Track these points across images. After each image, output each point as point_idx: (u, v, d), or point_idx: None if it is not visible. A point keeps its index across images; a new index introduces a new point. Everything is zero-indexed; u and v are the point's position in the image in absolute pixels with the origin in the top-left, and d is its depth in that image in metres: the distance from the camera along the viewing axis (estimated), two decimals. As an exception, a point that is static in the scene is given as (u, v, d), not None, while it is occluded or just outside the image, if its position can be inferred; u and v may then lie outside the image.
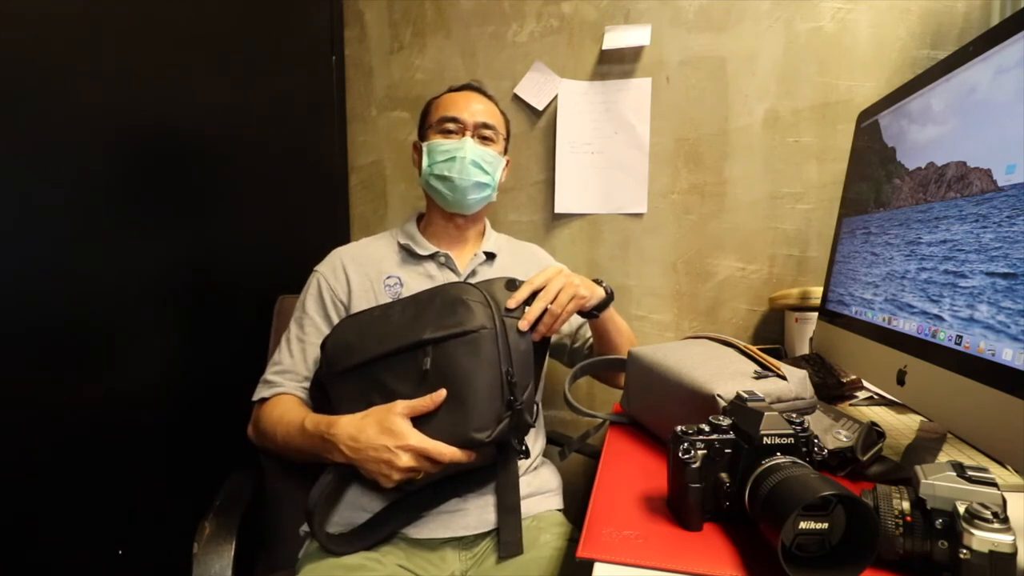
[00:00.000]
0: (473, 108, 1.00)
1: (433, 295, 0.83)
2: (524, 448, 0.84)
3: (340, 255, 1.00)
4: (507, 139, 1.07)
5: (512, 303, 0.80)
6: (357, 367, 0.81)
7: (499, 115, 1.04)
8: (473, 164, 0.97)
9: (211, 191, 1.05)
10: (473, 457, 0.76)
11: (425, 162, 0.99)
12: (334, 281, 0.97)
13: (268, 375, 0.93)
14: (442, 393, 0.75)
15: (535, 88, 1.32)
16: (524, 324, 0.79)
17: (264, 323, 1.08)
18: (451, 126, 0.98)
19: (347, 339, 0.83)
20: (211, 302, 1.05)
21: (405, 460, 0.73)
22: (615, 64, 1.29)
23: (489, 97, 1.05)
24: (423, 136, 1.04)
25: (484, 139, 1.00)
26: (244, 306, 1.12)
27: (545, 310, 0.83)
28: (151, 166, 0.94)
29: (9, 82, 0.75)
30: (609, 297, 0.94)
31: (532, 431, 0.94)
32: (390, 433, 0.74)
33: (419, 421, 0.76)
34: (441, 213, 1.02)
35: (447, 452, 0.74)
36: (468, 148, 0.96)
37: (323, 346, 0.85)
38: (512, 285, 0.83)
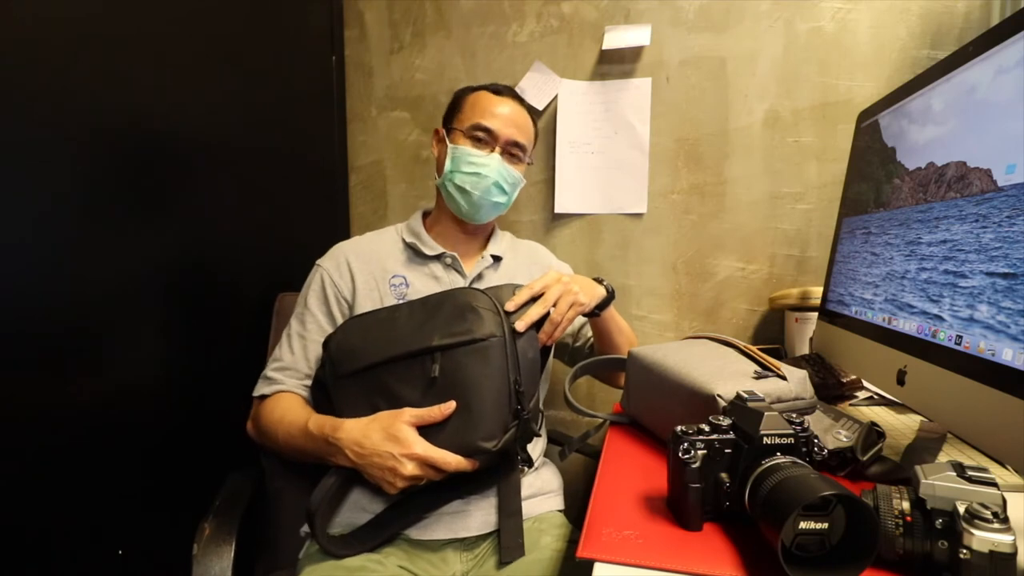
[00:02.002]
0: (508, 122, 0.96)
1: (442, 300, 0.82)
2: (527, 458, 0.84)
3: (344, 251, 0.98)
4: (531, 152, 1.05)
5: (511, 306, 0.80)
6: (362, 371, 0.80)
7: (531, 130, 1.02)
8: (495, 185, 0.95)
9: (211, 191, 1.05)
10: (477, 465, 0.76)
11: (448, 165, 0.96)
12: (338, 277, 0.95)
13: (268, 371, 0.92)
14: (451, 405, 0.75)
15: (535, 88, 1.32)
16: (521, 325, 0.79)
17: (264, 322, 1.08)
18: (482, 136, 0.96)
19: (352, 341, 0.82)
20: (211, 301, 1.05)
21: (410, 469, 0.73)
22: (615, 64, 1.29)
23: (526, 106, 1.02)
24: (450, 130, 0.99)
25: (512, 157, 0.98)
26: (244, 305, 1.12)
27: (546, 316, 0.83)
28: (151, 166, 0.94)
29: (8, 82, 0.75)
30: (610, 296, 0.94)
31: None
32: (396, 440, 0.73)
33: (425, 428, 0.75)
34: (451, 216, 1.01)
35: (452, 461, 0.73)
36: (494, 167, 0.94)
37: (326, 346, 0.84)
38: None
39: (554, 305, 0.83)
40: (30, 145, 0.78)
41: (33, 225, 0.79)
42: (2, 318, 0.76)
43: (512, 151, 0.98)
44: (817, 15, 1.20)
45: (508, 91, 1.02)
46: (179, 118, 0.98)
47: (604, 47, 1.26)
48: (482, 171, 0.94)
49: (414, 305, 0.84)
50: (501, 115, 0.96)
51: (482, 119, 0.96)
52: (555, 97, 1.32)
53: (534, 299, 0.82)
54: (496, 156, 0.95)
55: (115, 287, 0.89)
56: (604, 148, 1.30)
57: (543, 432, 1.00)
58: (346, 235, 1.43)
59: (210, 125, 1.04)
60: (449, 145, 0.97)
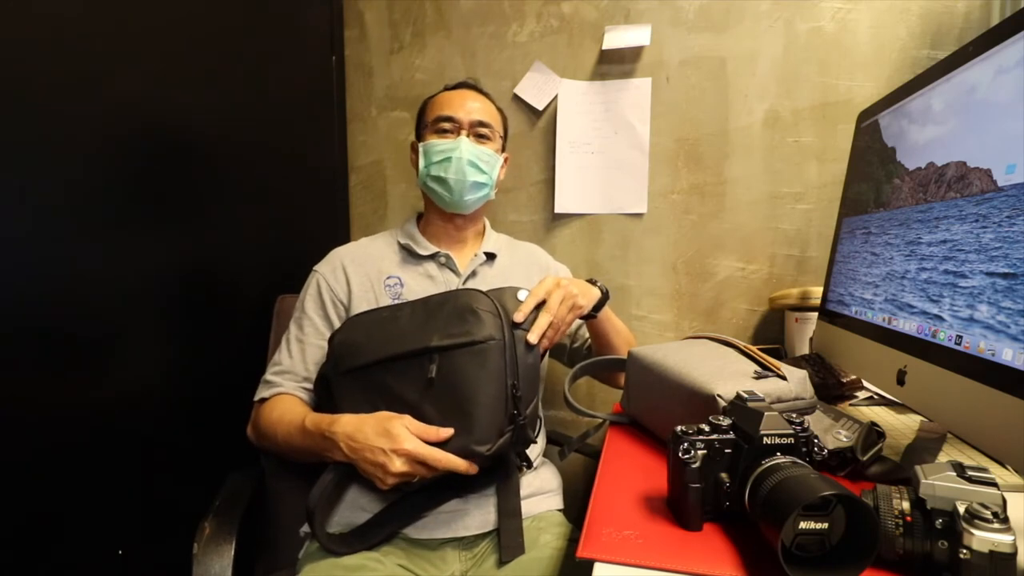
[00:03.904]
0: (469, 106, 0.99)
1: (444, 300, 0.82)
2: (526, 459, 0.84)
3: (340, 255, 1.00)
4: (504, 137, 1.07)
5: (519, 317, 0.80)
6: (362, 368, 0.81)
7: (495, 112, 1.04)
8: (469, 164, 0.96)
9: (211, 191, 1.05)
10: (470, 467, 0.76)
11: (421, 163, 0.98)
12: (334, 281, 0.96)
13: (268, 375, 0.93)
14: (449, 431, 0.75)
15: (535, 88, 1.32)
16: (534, 337, 0.79)
17: (264, 323, 1.08)
18: (446, 125, 0.98)
19: (355, 338, 0.83)
20: (211, 302, 1.05)
21: (399, 465, 0.73)
22: (615, 64, 1.29)
23: (485, 94, 1.04)
24: (420, 136, 1.03)
25: (480, 137, 0.99)
26: (244, 306, 1.12)
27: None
28: (151, 166, 0.94)
29: (10, 82, 0.75)
30: (605, 297, 0.94)
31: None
32: (387, 435, 0.74)
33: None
34: (440, 213, 1.02)
35: (442, 459, 0.73)
36: (464, 148, 0.96)
37: (331, 341, 0.85)
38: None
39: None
40: (30, 147, 0.78)
41: (34, 226, 0.79)
42: (4, 319, 0.76)
43: (479, 131, 0.99)
44: (817, 15, 1.20)
45: (463, 84, 1.05)
46: (178, 118, 0.98)
47: (604, 47, 1.26)
48: (452, 154, 0.96)
49: (416, 305, 0.84)
50: (460, 103, 0.99)
51: (442, 111, 0.99)
52: (555, 97, 1.32)
53: (538, 307, 0.82)
54: (463, 139, 0.97)
55: (115, 288, 0.89)
56: (604, 148, 1.30)
57: (540, 439, 1.00)
58: (346, 235, 1.44)
59: (210, 125, 1.04)
60: (420, 145, 1.00)
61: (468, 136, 0.98)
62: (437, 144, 0.97)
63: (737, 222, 1.27)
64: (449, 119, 0.98)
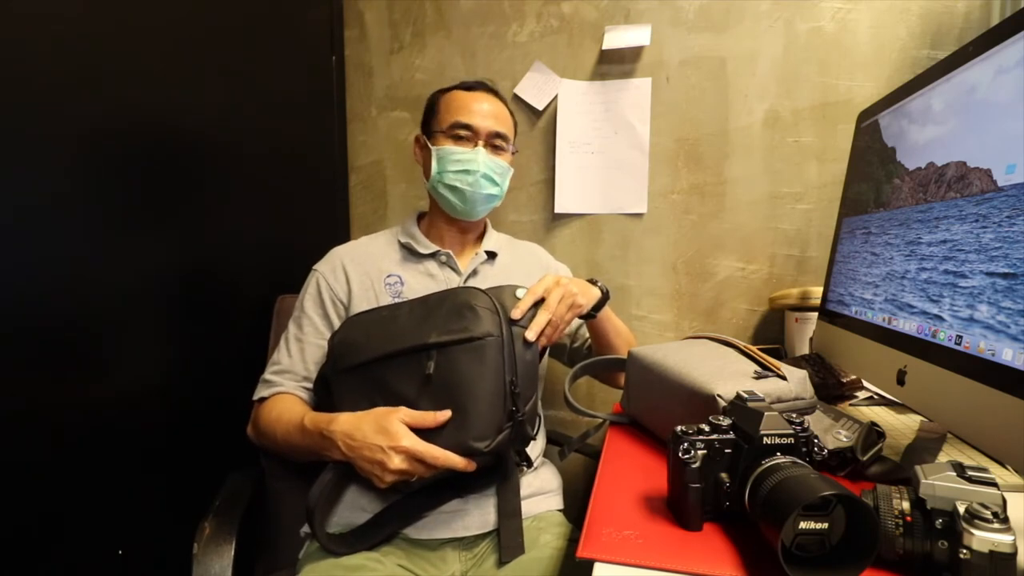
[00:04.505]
0: (487, 115, 0.97)
1: (443, 298, 0.83)
2: (526, 458, 0.84)
3: (339, 254, 1.00)
4: (514, 141, 1.06)
5: (517, 313, 0.80)
6: (361, 366, 0.81)
7: (510, 120, 1.02)
8: (485, 177, 0.96)
9: (211, 191, 1.05)
10: (469, 464, 0.76)
11: (434, 168, 0.97)
12: (333, 281, 0.96)
13: (267, 375, 0.93)
14: (447, 413, 0.75)
15: (535, 88, 1.32)
16: (531, 334, 0.79)
17: (264, 323, 1.08)
18: (463, 133, 0.96)
19: (354, 337, 0.83)
20: (211, 302, 1.05)
21: (396, 462, 0.73)
22: (615, 64, 1.29)
23: (500, 98, 1.03)
24: (430, 134, 1.01)
25: (495, 148, 0.99)
26: (244, 306, 1.12)
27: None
28: (151, 166, 0.94)
29: (10, 82, 0.75)
30: (605, 296, 0.94)
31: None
32: (385, 433, 0.74)
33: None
34: (445, 217, 1.02)
35: (440, 456, 0.73)
36: (481, 161, 0.95)
37: (330, 341, 0.85)
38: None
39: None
40: (32, 146, 0.78)
41: (35, 226, 0.79)
42: (3, 319, 0.76)
43: (495, 142, 0.98)
44: (817, 15, 1.20)
45: (480, 85, 1.02)
46: (178, 119, 0.98)
47: (604, 47, 1.26)
48: (470, 167, 0.95)
49: (415, 303, 0.84)
50: (478, 110, 0.97)
51: (460, 116, 0.97)
52: (555, 97, 1.32)
53: (536, 304, 0.82)
54: (481, 150, 0.96)
55: (116, 288, 0.89)
56: (604, 148, 1.30)
57: (540, 436, 1.00)
58: (346, 235, 1.44)
59: (209, 126, 1.04)
60: (433, 148, 0.98)
61: (485, 147, 0.97)
62: (454, 153, 0.96)
63: (737, 222, 1.27)
64: (467, 127, 0.96)
